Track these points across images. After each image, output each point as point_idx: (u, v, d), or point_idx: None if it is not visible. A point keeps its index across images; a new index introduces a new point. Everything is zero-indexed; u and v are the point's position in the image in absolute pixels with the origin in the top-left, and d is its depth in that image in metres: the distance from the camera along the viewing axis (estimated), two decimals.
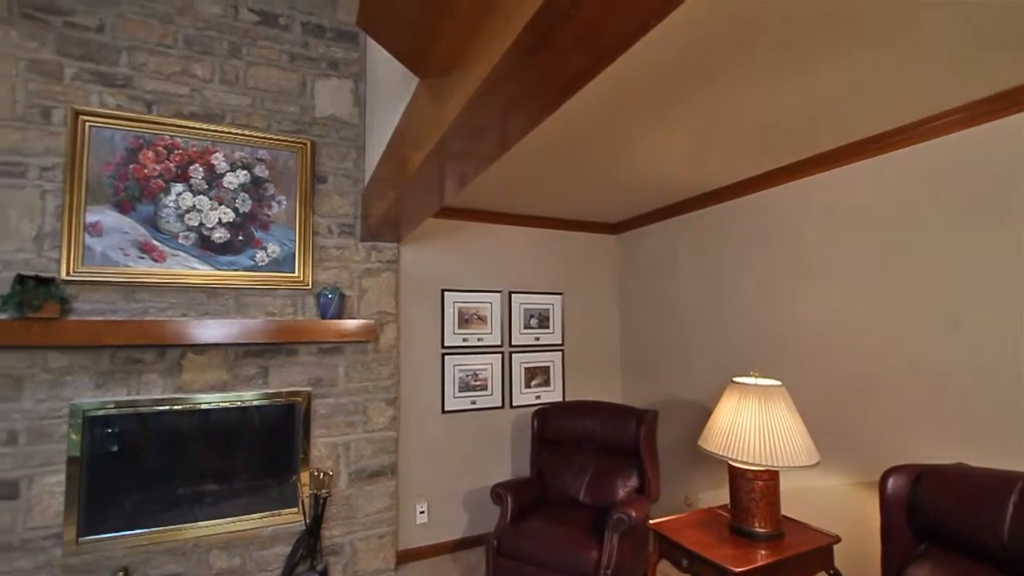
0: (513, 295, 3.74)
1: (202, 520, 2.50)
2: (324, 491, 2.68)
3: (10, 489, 2.18)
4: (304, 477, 2.69)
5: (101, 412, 2.33)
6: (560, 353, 3.90)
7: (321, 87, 2.86)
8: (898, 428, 2.19)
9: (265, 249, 2.66)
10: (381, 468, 2.90)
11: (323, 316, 2.70)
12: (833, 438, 2.43)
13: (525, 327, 3.77)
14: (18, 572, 2.17)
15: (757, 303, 2.89)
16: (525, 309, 3.78)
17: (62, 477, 2.25)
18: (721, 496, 2.97)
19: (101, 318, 2.32)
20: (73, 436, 2.27)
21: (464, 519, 3.44)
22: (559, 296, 3.94)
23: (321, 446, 2.75)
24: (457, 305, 3.53)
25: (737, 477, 2.15)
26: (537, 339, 3.81)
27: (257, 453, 2.66)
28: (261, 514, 2.61)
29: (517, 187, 3.09)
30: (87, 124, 2.35)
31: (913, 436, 2.14)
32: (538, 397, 3.77)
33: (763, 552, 1.97)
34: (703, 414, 3.22)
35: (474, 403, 3.53)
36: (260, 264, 2.64)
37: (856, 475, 2.34)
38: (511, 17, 0.96)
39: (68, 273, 2.28)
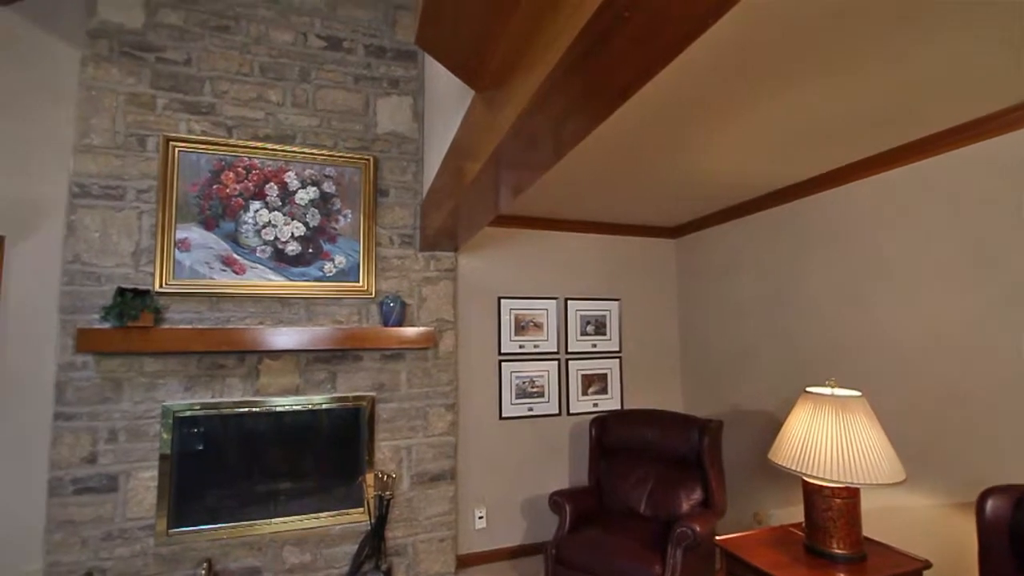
0: (569, 302, 3.72)
1: (277, 517, 2.64)
2: (388, 493, 2.76)
3: (111, 482, 2.40)
4: (369, 478, 2.79)
5: (188, 413, 2.53)
6: (618, 360, 3.83)
7: (383, 105, 2.99)
8: (995, 444, 1.99)
9: (332, 260, 2.80)
10: (441, 472, 2.96)
11: (385, 324, 2.80)
12: (921, 454, 2.24)
13: (582, 334, 3.74)
14: (118, 558, 2.38)
15: (831, 308, 2.72)
16: (581, 316, 3.75)
17: (155, 472, 2.46)
18: (794, 514, 2.80)
19: (189, 326, 2.53)
20: (164, 435, 2.47)
21: (522, 526, 3.44)
22: (616, 302, 3.88)
23: (385, 449, 2.85)
24: (513, 312, 3.56)
25: (812, 494, 2.02)
26: (594, 346, 3.77)
27: (326, 454, 2.79)
28: (330, 513, 2.73)
29: (573, 193, 3.09)
30: (176, 149, 2.57)
31: (1013, 453, 1.93)
32: (595, 405, 3.72)
33: (842, 575, 1.85)
34: (772, 426, 3.06)
35: (531, 410, 3.53)
36: (328, 275, 2.78)
37: (948, 495, 2.14)
38: (568, 21, 0.97)
39: (161, 285, 2.50)
